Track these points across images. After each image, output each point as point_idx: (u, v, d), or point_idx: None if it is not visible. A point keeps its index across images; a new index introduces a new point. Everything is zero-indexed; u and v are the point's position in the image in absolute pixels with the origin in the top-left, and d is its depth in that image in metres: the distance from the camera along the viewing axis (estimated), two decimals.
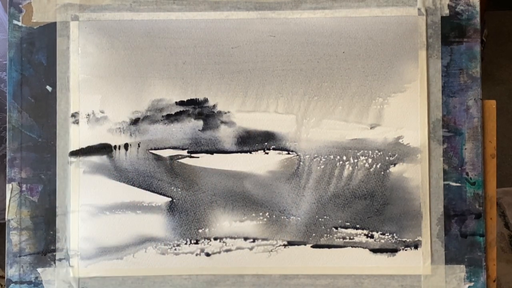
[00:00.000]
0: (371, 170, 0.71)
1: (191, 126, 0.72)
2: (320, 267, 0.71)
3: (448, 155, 0.71)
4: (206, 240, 0.71)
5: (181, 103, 0.72)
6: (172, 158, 0.72)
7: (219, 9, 0.72)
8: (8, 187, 0.72)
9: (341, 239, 0.71)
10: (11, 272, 0.72)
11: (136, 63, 0.72)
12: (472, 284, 0.71)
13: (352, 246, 0.71)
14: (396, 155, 0.71)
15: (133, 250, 0.71)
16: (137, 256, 0.71)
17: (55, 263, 0.72)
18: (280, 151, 0.72)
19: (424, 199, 0.71)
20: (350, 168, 0.71)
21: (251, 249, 0.71)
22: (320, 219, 0.71)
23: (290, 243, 0.71)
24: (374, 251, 0.71)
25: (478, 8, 0.72)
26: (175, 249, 0.71)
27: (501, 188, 1.32)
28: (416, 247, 0.71)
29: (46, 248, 0.72)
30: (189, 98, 0.72)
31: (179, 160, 0.72)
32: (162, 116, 0.72)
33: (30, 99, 0.72)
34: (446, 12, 0.72)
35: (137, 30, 0.72)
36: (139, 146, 0.72)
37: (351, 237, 0.71)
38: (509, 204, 1.30)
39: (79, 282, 0.71)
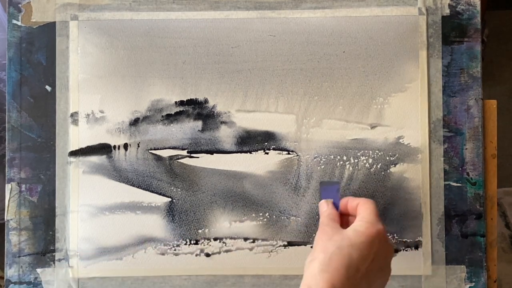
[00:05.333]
0: (371, 170, 0.71)
1: (190, 126, 0.72)
2: None
3: (448, 155, 0.71)
4: (206, 240, 0.71)
5: (180, 103, 0.72)
6: (171, 158, 0.72)
7: (219, 9, 0.72)
8: (7, 187, 0.72)
9: None
10: (11, 272, 0.72)
11: (136, 63, 0.72)
12: (472, 284, 0.71)
13: None
14: (397, 155, 0.71)
15: (133, 250, 0.71)
16: (136, 256, 0.71)
17: (54, 263, 0.72)
18: (280, 151, 0.71)
19: (424, 199, 0.71)
20: (351, 168, 0.71)
21: (251, 249, 0.71)
22: None
23: (290, 244, 0.71)
24: None
25: (478, 8, 0.71)
26: (175, 250, 0.71)
27: (502, 188, 1.32)
28: (416, 247, 0.71)
29: (46, 249, 0.72)
30: (189, 98, 0.72)
31: (179, 160, 0.71)
32: (162, 116, 0.72)
33: (29, 99, 0.72)
34: (447, 11, 0.72)
35: (137, 29, 0.72)
36: (138, 146, 0.72)
37: None
38: (510, 204, 1.30)
39: (79, 282, 0.71)
